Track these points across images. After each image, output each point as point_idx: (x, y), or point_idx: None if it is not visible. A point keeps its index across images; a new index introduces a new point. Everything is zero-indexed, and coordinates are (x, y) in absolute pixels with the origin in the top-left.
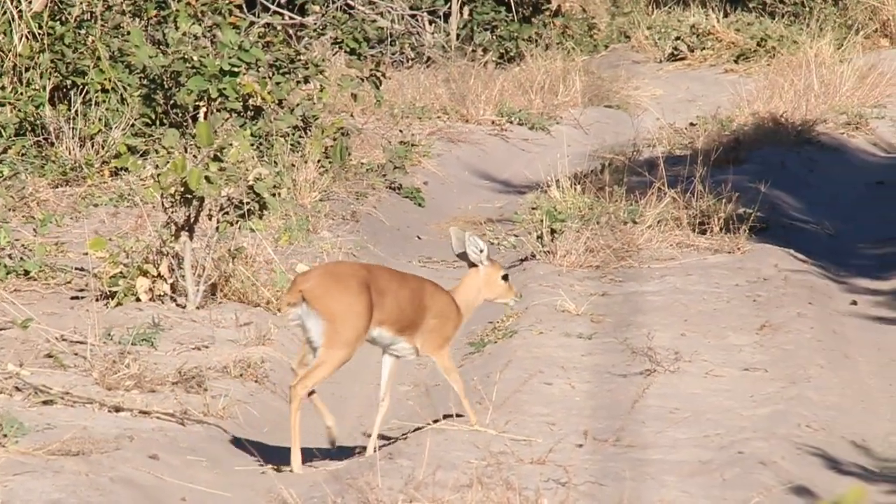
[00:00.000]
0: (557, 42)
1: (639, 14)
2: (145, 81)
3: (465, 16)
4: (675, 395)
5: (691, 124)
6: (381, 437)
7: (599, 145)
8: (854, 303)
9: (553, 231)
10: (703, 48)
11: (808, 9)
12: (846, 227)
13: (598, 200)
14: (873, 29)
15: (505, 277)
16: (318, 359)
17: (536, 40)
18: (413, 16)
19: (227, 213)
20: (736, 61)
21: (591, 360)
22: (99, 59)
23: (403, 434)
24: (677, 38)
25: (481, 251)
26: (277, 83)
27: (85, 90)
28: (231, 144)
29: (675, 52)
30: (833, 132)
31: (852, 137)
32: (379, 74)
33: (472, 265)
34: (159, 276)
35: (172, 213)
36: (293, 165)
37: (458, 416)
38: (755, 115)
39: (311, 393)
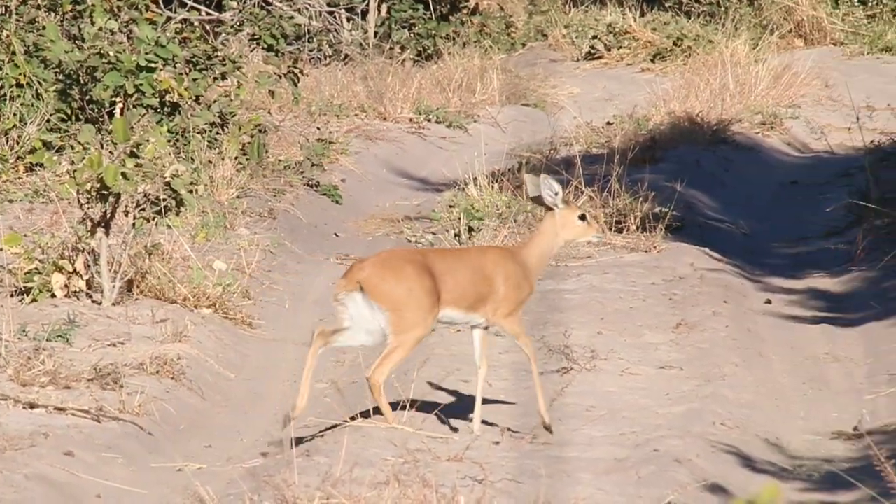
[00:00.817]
0: (475, 40)
1: (556, 13)
2: (61, 77)
3: (383, 13)
4: (592, 393)
5: (608, 123)
6: (299, 438)
7: (517, 143)
8: (768, 302)
9: (471, 229)
10: (620, 47)
11: (723, 9)
12: (761, 226)
13: (516, 199)
14: (788, 29)
15: (582, 217)
16: (391, 345)
17: (454, 38)
18: (331, 13)
19: (143, 209)
20: (652, 60)
21: (509, 358)
22: (14, 53)
23: (320, 431)
24: (594, 37)
25: (556, 193)
26: (194, 79)
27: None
28: (148, 140)
29: (592, 51)
30: (748, 132)
31: (767, 137)
32: (296, 71)
33: (549, 209)
34: (75, 272)
35: (88, 209)
36: (210, 162)
37: (375, 411)
38: (671, 114)
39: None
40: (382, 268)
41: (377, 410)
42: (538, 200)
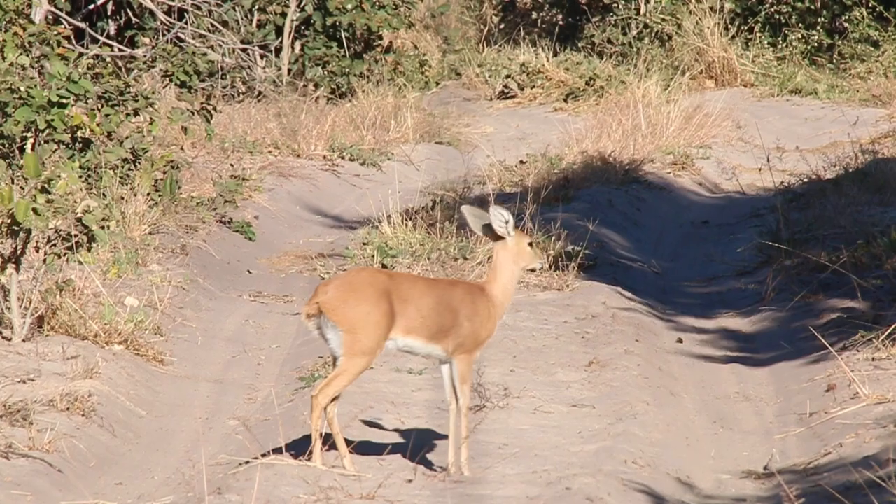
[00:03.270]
0: (389, 78)
1: (469, 52)
2: None
3: (297, 51)
4: (505, 431)
5: (521, 162)
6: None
7: (430, 181)
8: (680, 340)
9: (384, 266)
10: (533, 86)
11: (635, 49)
12: (672, 265)
13: (429, 236)
14: (699, 70)
15: (531, 244)
16: (339, 368)
17: (368, 76)
18: (244, 50)
19: (54, 245)
20: (565, 100)
21: (422, 396)
22: None
23: (232, 469)
24: (507, 77)
25: (507, 222)
26: (107, 115)
27: None
28: (59, 176)
29: (506, 90)
30: (660, 171)
31: (679, 177)
32: (210, 108)
33: (497, 238)
34: None
35: None
36: (122, 198)
37: (287, 448)
38: (584, 153)
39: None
40: (344, 290)
41: (290, 447)
42: (485, 231)
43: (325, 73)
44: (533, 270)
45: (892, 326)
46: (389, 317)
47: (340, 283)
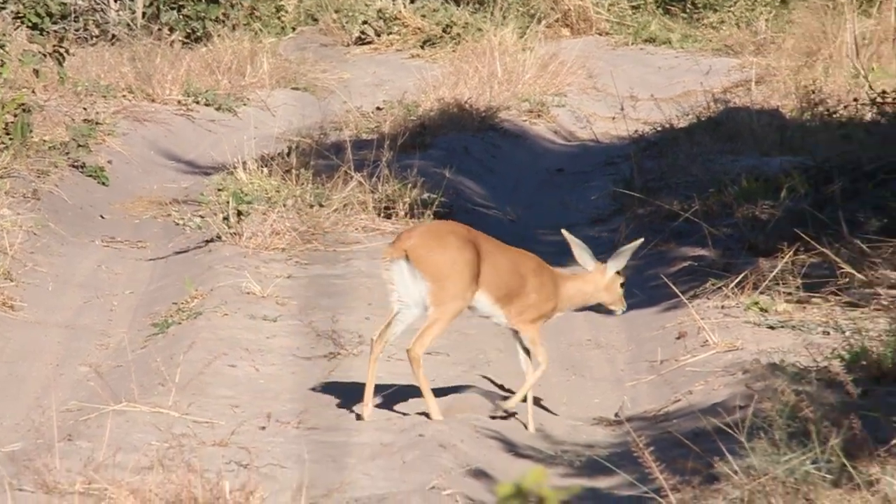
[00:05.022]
0: (245, 23)
1: None
2: None
3: None
4: (359, 378)
5: (378, 109)
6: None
7: (287, 128)
8: None
9: (239, 213)
10: (390, 33)
11: None
12: (528, 213)
13: (285, 183)
14: (555, 19)
15: (622, 285)
16: (430, 318)
17: (224, 21)
18: None
19: None
20: (422, 47)
21: (276, 343)
22: None
23: (83, 416)
24: (364, 23)
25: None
26: None
27: None
28: None
29: (363, 37)
30: (516, 119)
31: (534, 125)
32: (62, 51)
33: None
34: None
35: None
36: None
37: (140, 395)
38: (440, 100)
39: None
40: (429, 237)
41: (142, 394)
42: (583, 259)
43: (181, 17)
44: (610, 312)
45: (742, 274)
46: (474, 266)
47: (425, 230)
